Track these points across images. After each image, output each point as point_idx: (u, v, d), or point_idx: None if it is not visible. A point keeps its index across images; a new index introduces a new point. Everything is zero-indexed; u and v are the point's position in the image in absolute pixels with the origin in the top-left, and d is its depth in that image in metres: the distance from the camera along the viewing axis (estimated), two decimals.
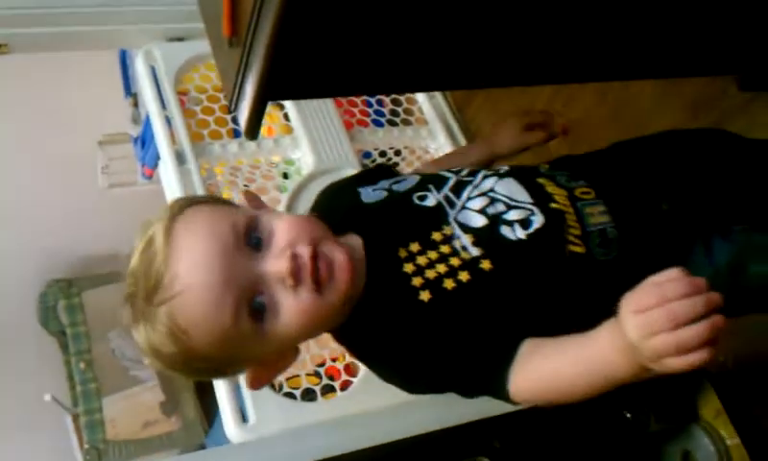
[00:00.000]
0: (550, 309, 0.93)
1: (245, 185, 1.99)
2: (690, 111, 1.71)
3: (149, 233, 0.89)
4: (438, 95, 2.34)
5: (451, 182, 0.99)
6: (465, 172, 1.02)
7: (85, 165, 2.72)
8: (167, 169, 1.90)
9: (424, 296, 0.90)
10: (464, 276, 0.91)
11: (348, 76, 0.92)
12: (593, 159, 1.11)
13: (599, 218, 0.97)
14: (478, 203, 0.96)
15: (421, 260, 0.92)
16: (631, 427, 1.60)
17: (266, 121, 2.07)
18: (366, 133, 2.17)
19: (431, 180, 1.01)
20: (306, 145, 2.02)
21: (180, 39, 2.12)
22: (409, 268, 0.92)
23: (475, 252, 0.92)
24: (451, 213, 0.95)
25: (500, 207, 0.95)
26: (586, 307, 0.92)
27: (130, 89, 2.32)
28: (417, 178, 1.02)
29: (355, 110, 2.21)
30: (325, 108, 2.09)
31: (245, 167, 2.00)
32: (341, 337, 0.98)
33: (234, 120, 1.98)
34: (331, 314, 0.90)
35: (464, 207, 0.96)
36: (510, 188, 0.97)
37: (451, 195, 0.98)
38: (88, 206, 2.84)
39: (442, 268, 0.91)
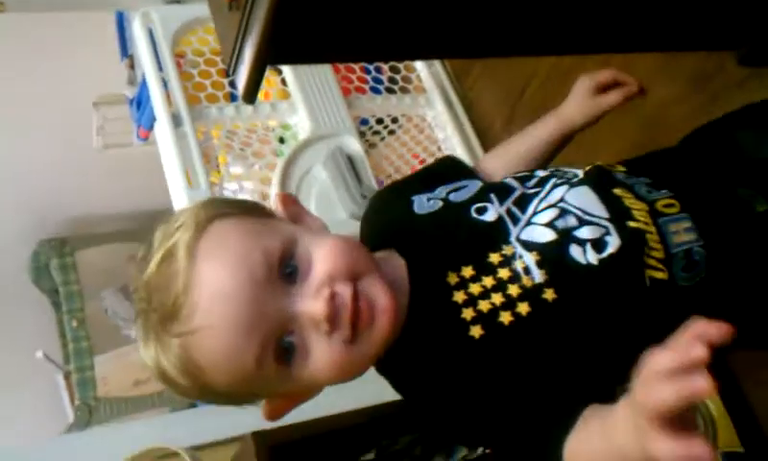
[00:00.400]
0: (621, 346, 0.80)
1: (241, 149, 1.99)
2: (688, 85, 1.71)
3: (170, 243, 0.78)
4: (436, 63, 2.33)
5: (516, 194, 0.87)
6: (532, 182, 0.89)
7: (81, 125, 2.71)
8: (163, 131, 1.90)
9: (475, 332, 0.79)
10: (523, 308, 0.79)
11: (348, 42, 0.91)
12: (671, 160, 0.97)
13: (684, 236, 0.83)
14: (546, 216, 0.83)
15: (475, 288, 0.81)
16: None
17: (263, 85, 2.05)
18: (363, 99, 2.16)
19: (493, 189, 0.89)
20: (303, 110, 2.01)
21: (178, 2, 2.11)
22: (460, 297, 0.80)
23: (539, 276, 0.79)
24: (513, 231, 0.83)
25: (572, 222, 0.82)
26: (661, 341, 0.84)
27: (126, 51, 2.31)
28: (478, 185, 0.90)
29: (353, 77, 2.20)
30: (323, 73, 2.08)
31: (241, 131, 1.99)
32: (380, 370, 0.86)
33: (232, 84, 1.97)
34: (367, 363, 0.80)
35: (529, 223, 0.83)
36: (583, 199, 0.84)
37: (515, 209, 0.85)
38: (83, 166, 2.83)
39: (498, 298, 0.80)
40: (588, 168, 0.90)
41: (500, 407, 0.78)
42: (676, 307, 0.81)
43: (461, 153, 2.15)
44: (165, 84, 1.94)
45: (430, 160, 1.88)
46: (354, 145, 2.02)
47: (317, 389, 0.84)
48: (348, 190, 1.91)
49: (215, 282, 0.75)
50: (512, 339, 0.79)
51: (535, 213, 0.84)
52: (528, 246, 0.81)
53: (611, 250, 0.80)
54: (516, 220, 0.84)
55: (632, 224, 0.82)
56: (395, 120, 2.21)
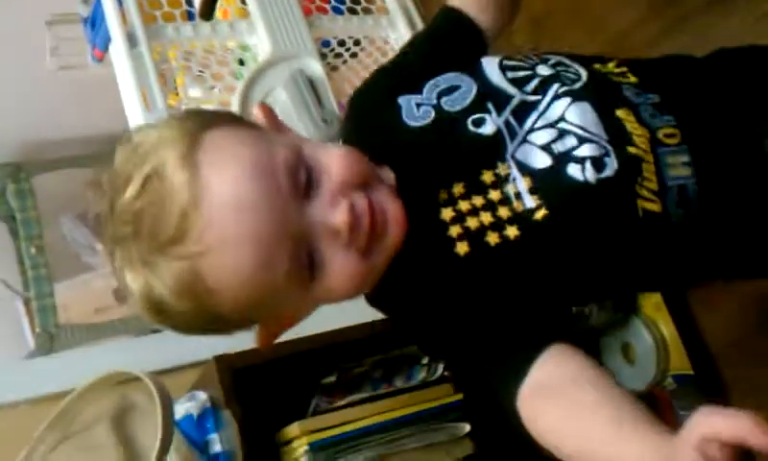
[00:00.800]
0: (605, 277, 0.82)
1: (200, 71, 1.94)
2: (652, 9, 1.70)
3: (153, 163, 0.70)
4: None
5: (514, 103, 0.82)
6: (531, 86, 0.84)
7: (33, 46, 2.63)
8: (118, 52, 1.84)
9: (461, 248, 0.78)
10: (512, 231, 0.78)
11: None
12: (688, 77, 0.90)
13: (680, 171, 0.80)
14: (544, 136, 0.80)
15: (464, 206, 0.79)
16: (572, 319, 1.64)
17: (221, 3, 2.00)
18: (325, 19, 2.12)
19: (491, 95, 0.83)
20: (263, 30, 1.97)
21: None
22: (447, 214, 0.79)
23: (530, 202, 0.78)
24: (510, 147, 0.80)
25: (570, 142, 0.79)
26: (647, 274, 0.84)
27: None
28: (473, 90, 0.84)
29: None
30: None
31: (199, 51, 1.94)
32: (369, 296, 0.84)
33: (189, 1, 1.91)
34: (375, 276, 0.77)
35: (525, 140, 0.80)
36: (584, 116, 0.80)
37: (513, 121, 0.81)
38: (37, 88, 2.76)
39: (486, 218, 0.78)
40: (594, 69, 0.86)
41: (474, 327, 0.77)
42: (669, 241, 0.80)
43: None
44: (120, 1, 1.88)
45: None
46: (316, 68, 1.98)
47: (315, 307, 0.81)
48: (309, 114, 1.89)
49: (232, 193, 0.69)
50: (497, 261, 0.78)
51: (532, 130, 0.81)
52: (522, 168, 0.79)
53: (608, 172, 0.78)
54: (513, 134, 0.81)
55: (631, 149, 0.79)
56: (357, 43, 2.17)
